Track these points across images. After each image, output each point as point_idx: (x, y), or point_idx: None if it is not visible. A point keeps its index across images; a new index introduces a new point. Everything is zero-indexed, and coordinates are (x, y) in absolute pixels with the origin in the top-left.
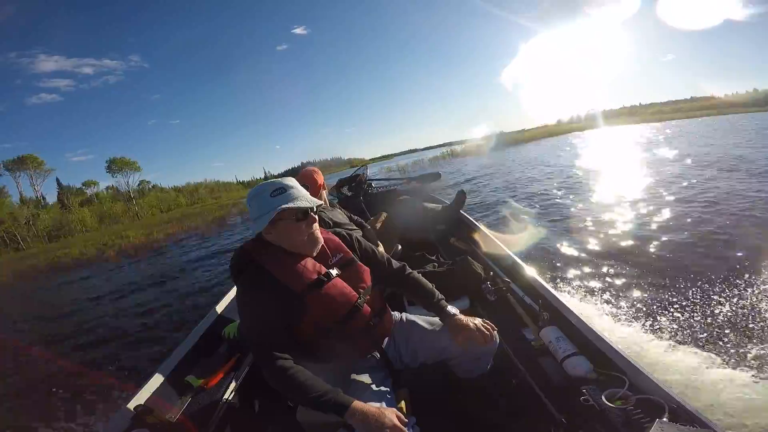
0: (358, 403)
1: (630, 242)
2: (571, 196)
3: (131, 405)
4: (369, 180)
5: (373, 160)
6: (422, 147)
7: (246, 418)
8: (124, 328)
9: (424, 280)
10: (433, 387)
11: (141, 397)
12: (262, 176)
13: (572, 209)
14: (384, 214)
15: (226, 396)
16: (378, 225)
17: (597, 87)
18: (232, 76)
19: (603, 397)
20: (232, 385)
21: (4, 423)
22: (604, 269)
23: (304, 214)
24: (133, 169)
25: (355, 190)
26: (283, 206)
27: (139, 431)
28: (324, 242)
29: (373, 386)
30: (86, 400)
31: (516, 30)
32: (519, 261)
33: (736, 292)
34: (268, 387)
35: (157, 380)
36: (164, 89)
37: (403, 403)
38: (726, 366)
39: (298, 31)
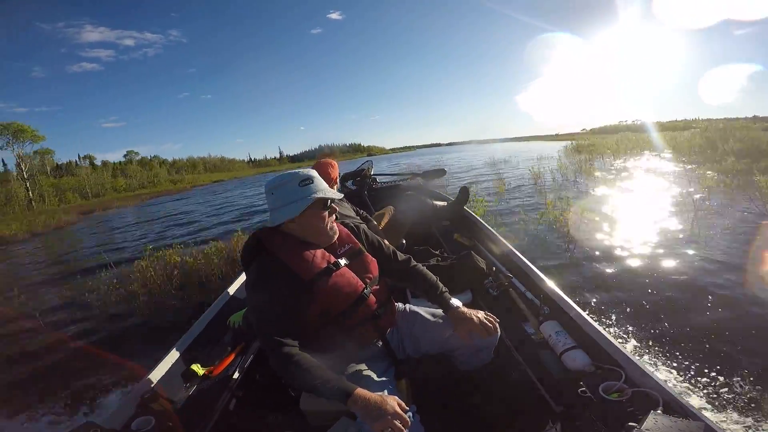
0: (360, 390)
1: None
2: None
3: (137, 392)
4: (373, 175)
5: (394, 150)
6: (446, 142)
7: (249, 406)
8: None
9: (428, 272)
10: (434, 378)
11: (146, 384)
12: (277, 155)
13: None
14: (391, 209)
15: (230, 385)
16: (385, 220)
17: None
18: (265, 57)
19: (600, 390)
20: (237, 374)
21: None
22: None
23: (327, 205)
24: (28, 137)
25: (360, 184)
26: (318, 195)
27: (145, 418)
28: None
29: (376, 375)
30: (90, 383)
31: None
32: (521, 257)
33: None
34: (271, 376)
35: (162, 368)
36: (199, 64)
37: (402, 392)
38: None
39: (334, 16)
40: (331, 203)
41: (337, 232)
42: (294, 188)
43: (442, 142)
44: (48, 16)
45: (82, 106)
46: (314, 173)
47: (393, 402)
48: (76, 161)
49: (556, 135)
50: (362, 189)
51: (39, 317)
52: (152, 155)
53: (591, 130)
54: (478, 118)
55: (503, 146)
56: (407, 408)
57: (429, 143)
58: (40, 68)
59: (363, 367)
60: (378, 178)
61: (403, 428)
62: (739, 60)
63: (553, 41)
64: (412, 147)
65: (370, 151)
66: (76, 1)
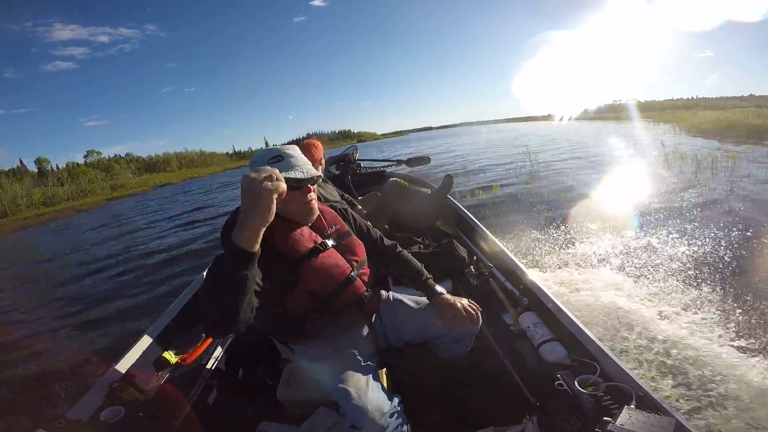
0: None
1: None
2: None
3: (105, 381)
4: (358, 160)
5: (385, 135)
6: (437, 125)
7: (224, 395)
8: None
9: (413, 259)
10: (414, 366)
11: (115, 373)
12: (263, 145)
13: None
14: (377, 194)
15: (203, 373)
16: (373, 204)
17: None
18: (248, 48)
19: (576, 383)
20: (211, 361)
21: None
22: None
23: (298, 183)
24: None
25: (344, 169)
26: (283, 175)
27: (114, 409)
28: (321, 213)
29: (360, 361)
30: (57, 382)
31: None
32: (502, 247)
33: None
34: (247, 365)
35: (132, 356)
36: (180, 58)
37: (384, 381)
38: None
39: (317, 2)
40: (303, 182)
41: (316, 212)
42: (263, 166)
43: (433, 126)
44: (14, 17)
45: (60, 105)
46: (290, 151)
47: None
48: (17, 167)
49: (549, 116)
50: (346, 174)
51: None
52: (127, 153)
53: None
54: (469, 101)
55: (509, 128)
56: (391, 395)
57: (420, 127)
58: (12, 69)
59: (347, 353)
60: (363, 164)
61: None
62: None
63: (544, 37)
64: (405, 131)
65: (361, 137)
66: (42, 0)
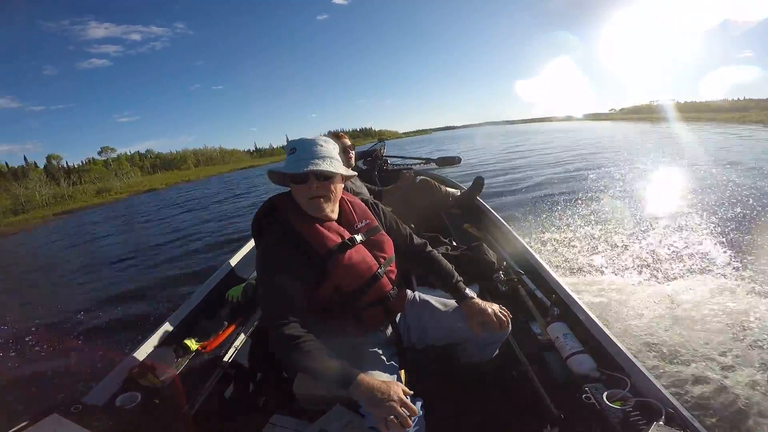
0: (364, 376)
1: None
2: None
3: (124, 367)
4: (385, 156)
5: (407, 134)
6: (459, 125)
7: (241, 385)
8: None
9: (444, 259)
10: (436, 370)
11: (136, 358)
12: (285, 143)
13: None
14: (396, 193)
15: (223, 362)
16: (389, 202)
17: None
18: (272, 47)
19: (604, 397)
20: (231, 350)
21: None
22: None
23: (302, 177)
24: None
25: (371, 164)
26: (271, 168)
27: (130, 394)
28: (351, 207)
29: (383, 362)
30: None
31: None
32: (533, 253)
33: None
34: (266, 356)
35: (153, 342)
36: (208, 56)
37: (403, 382)
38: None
39: (339, 0)
40: (296, 177)
41: (323, 209)
42: (287, 157)
43: (456, 125)
44: (51, 15)
45: (95, 101)
46: (305, 143)
47: (398, 389)
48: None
49: (570, 117)
50: (373, 169)
51: None
52: (147, 149)
53: (621, 110)
54: (490, 101)
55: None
56: (411, 394)
57: (442, 126)
58: (51, 66)
59: (369, 351)
60: (390, 160)
61: (408, 417)
62: None
63: (565, 38)
64: (428, 130)
65: (381, 136)
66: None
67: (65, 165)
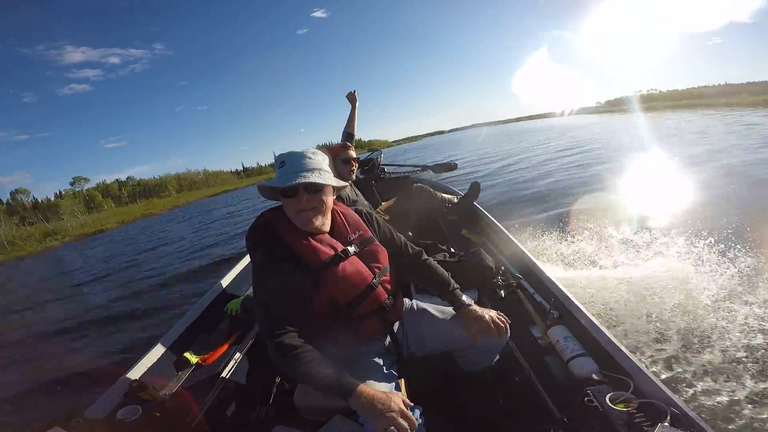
0: (364, 387)
1: None
2: None
3: (124, 380)
4: (382, 165)
5: (397, 142)
6: (448, 129)
7: (242, 397)
8: None
9: (440, 267)
10: (436, 377)
11: (136, 372)
12: (272, 162)
13: None
14: (393, 200)
15: (223, 374)
16: (394, 211)
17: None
18: (254, 62)
19: (607, 399)
20: (231, 363)
21: None
22: None
23: (291, 191)
24: None
25: (368, 173)
26: (260, 183)
27: (131, 407)
28: (344, 218)
29: (382, 371)
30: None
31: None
32: (532, 258)
33: None
34: (266, 367)
35: (153, 356)
36: (189, 76)
37: (404, 391)
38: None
39: (318, 14)
40: (297, 188)
41: (312, 222)
42: (276, 171)
43: (444, 129)
44: (24, 41)
45: (80, 128)
46: (295, 154)
47: (398, 400)
48: None
49: (551, 114)
50: (370, 178)
51: None
52: (128, 177)
53: (607, 101)
54: (476, 103)
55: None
56: (411, 405)
57: (432, 132)
58: (31, 93)
59: (367, 362)
60: (387, 169)
61: (408, 428)
62: None
63: (547, 36)
64: (418, 137)
65: (372, 146)
66: (49, 24)
67: (33, 199)
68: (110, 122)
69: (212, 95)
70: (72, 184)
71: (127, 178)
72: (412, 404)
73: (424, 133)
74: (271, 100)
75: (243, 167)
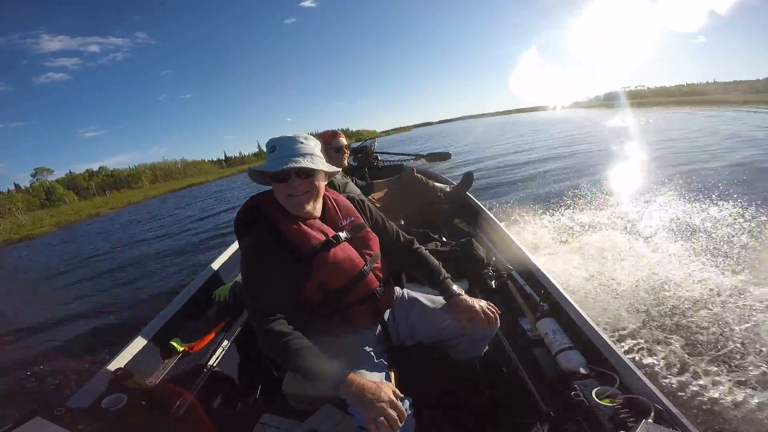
0: (354, 376)
1: None
2: None
3: (110, 369)
4: (375, 153)
5: (386, 132)
6: (436, 120)
7: (229, 385)
8: None
9: (431, 256)
10: (424, 367)
11: (121, 360)
12: (256, 151)
13: None
14: (386, 188)
15: (210, 362)
16: (379, 197)
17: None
18: (240, 51)
19: (593, 394)
20: (219, 350)
21: None
22: None
23: (283, 175)
24: None
25: (361, 161)
26: (251, 168)
27: (116, 396)
28: (335, 204)
29: (372, 360)
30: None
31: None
32: (523, 249)
33: None
34: (254, 355)
35: (139, 343)
36: (173, 65)
37: (393, 381)
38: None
39: (307, 3)
40: (288, 172)
41: (303, 207)
42: (267, 155)
43: (433, 121)
44: None
45: (58, 117)
46: (287, 139)
47: (388, 389)
48: None
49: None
50: (363, 166)
51: None
52: (101, 167)
53: (595, 97)
54: (466, 95)
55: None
56: (401, 396)
57: (420, 123)
58: (4, 83)
59: (357, 351)
60: (380, 157)
61: (397, 418)
62: None
63: (537, 32)
64: (407, 127)
65: (360, 136)
66: (24, 12)
67: None
68: (89, 111)
69: (197, 84)
70: (34, 175)
71: (99, 168)
72: (402, 395)
73: (413, 124)
74: (257, 89)
75: (225, 156)
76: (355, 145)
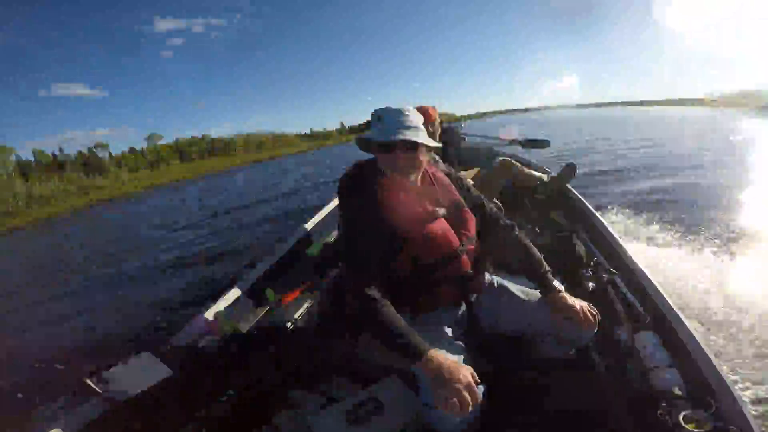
0: (435, 352)
1: None
2: None
3: (208, 314)
4: (463, 134)
5: (465, 117)
6: (522, 108)
7: (308, 342)
8: None
9: (533, 247)
10: (502, 357)
11: (219, 305)
12: (338, 127)
13: None
14: (476, 170)
15: (296, 315)
16: (473, 182)
17: None
18: (334, 31)
19: (680, 418)
20: (306, 304)
21: None
22: None
23: (389, 146)
24: None
25: (447, 141)
26: (359, 136)
27: (212, 338)
28: (437, 181)
29: (450, 341)
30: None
31: None
32: (629, 252)
33: None
34: (336, 316)
35: (236, 291)
36: (269, 43)
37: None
38: None
39: None
40: (395, 143)
41: (411, 173)
42: (373, 125)
43: (518, 108)
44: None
45: (177, 89)
46: (393, 110)
47: (467, 373)
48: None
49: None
50: (451, 145)
51: None
52: (204, 134)
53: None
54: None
55: None
56: (479, 382)
57: (504, 109)
58: (129, 57)
59: (437, 329)
60: (468, 138)
61: (470, 402)
62: None
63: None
64: (493, 112)
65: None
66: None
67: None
68: (199, 84)
69: (287, 61)
70: (147, 139)
71: (202, 136)
72: (479, 381)
73: (495, 110)
74: (341, 66)
75: (311, 131)
76: (444, 125)
